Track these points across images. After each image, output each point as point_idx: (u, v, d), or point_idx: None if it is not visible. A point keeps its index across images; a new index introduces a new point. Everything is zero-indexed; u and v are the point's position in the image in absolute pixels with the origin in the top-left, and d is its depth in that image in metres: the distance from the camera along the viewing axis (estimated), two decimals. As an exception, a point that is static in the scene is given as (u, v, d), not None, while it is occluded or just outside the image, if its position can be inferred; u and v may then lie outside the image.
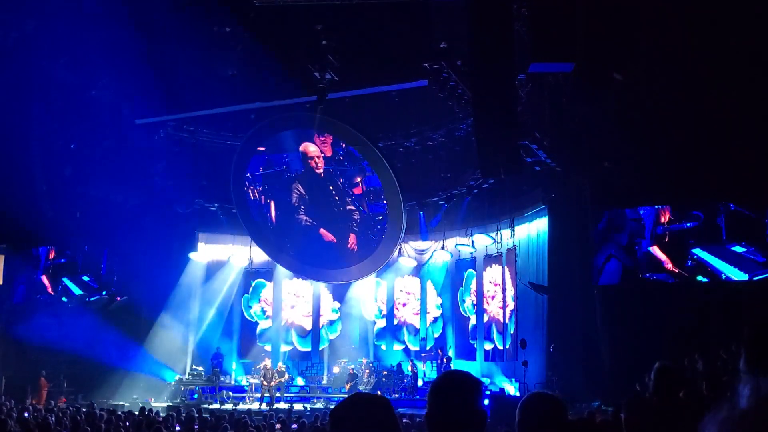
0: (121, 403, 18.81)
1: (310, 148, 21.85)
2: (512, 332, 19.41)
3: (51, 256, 22.65)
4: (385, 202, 21.59)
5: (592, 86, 11.66)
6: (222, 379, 21.48)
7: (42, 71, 18.15)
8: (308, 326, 23.77)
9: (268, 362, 21.21)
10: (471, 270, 21.91)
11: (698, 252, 15.55)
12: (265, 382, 20.34)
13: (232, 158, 21.83)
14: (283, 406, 19.08)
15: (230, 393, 21.26)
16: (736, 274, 15.11)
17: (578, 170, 16.99)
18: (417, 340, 23.09)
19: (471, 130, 17.26)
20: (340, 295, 23.84)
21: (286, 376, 21.24)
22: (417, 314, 23.26)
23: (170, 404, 19.21)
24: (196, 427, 11.41)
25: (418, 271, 23.34)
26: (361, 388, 20.53)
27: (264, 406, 19.29)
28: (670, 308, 15.32)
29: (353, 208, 22.17)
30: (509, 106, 13.07)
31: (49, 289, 22.33)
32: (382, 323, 23.70)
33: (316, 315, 23.82)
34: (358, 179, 21.94)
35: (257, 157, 22.28)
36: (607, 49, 11.34)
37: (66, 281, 22.40)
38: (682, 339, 14.10)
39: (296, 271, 23.52)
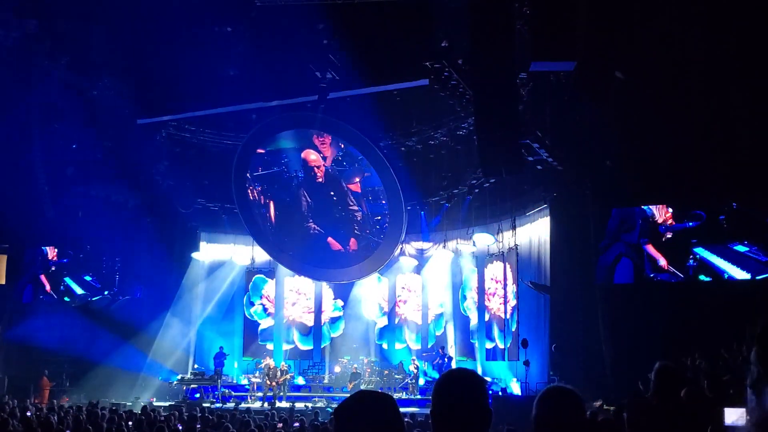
0: (123, 403, 18.81)
1: (311, 156, 21.87)
2: (514, 330, 19.38)
3: (52, 256, 22.68)
4: (384, 202, 21.58)
5: (594, 85, 11.63)
6: (224, 377, 21.50)
7: (43, 71, 18.17)
8: (310, 323, 23.79)
9: (270, 361, 21.23)
10: (472, 267, 21.88)
11: (701, 251, 15.48)
12: (269, 381, 20.36)
13: (233, 158, 21.84)
14: (284, 405, 19.10)
15: (232, 392, 21.29)
16: (739, 274, 15.07)
17: (580, 169, 16.95)
18: (419, 339, 23.06)
19: (472, 129, 17.21)
20: (343, 294, 23.82)
21: (290, 374, 21.25)
22: (418, 311, 23.24)
23: (172, 403, 19.21)
24: (198, 426, 11.40)
25: (419, 269, 23.30)
26: (363, 386, 20.52)
27: (266, 405, 19.30)
28: (673, 308, 15.28)
29: (356, 208, 22.16)
30: (511, 105, 13.07)
31: (48, 289, 22.35)
32: (383, 322, 23.68)
33: (318, 312, 23.83)
34: (357, 179, 21.93)
35: (256, 157, 22.30)
36: (609, 47, 11.31)
37: (68, 281, 22.44)
38: (684, 338, 14.07)
39: (297, 270, 23.54)
